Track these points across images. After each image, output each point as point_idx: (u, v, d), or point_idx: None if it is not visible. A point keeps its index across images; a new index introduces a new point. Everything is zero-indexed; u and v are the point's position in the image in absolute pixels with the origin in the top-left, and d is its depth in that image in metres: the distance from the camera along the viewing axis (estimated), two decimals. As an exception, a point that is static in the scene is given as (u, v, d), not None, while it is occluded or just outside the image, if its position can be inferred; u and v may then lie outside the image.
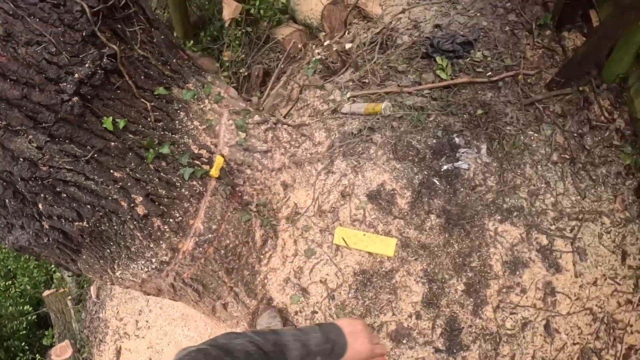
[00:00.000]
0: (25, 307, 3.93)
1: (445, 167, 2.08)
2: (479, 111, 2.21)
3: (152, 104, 1.68)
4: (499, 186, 2.04)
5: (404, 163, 2.10)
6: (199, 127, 1.85)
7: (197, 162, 1.78)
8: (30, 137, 1.41)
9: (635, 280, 1.82)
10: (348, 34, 2.91)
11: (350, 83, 2.49)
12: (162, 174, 1.68)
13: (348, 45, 2.63)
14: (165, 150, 1.67)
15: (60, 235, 1.58)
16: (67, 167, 1.47)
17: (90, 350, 3.16)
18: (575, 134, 2.07)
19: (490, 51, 2.47)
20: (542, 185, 2.02)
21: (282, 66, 2.81)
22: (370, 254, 1.97)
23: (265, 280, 2.03)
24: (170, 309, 2.67)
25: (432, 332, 1.85)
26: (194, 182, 1.76)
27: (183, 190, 1.73)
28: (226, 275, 1.91)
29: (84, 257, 1.73)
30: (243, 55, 3.07)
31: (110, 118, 1.53)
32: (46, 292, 3.54)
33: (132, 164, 1.60)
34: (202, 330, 2.41)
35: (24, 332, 3.81)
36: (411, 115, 2.21)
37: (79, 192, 1.52)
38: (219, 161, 1.85)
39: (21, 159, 1.42)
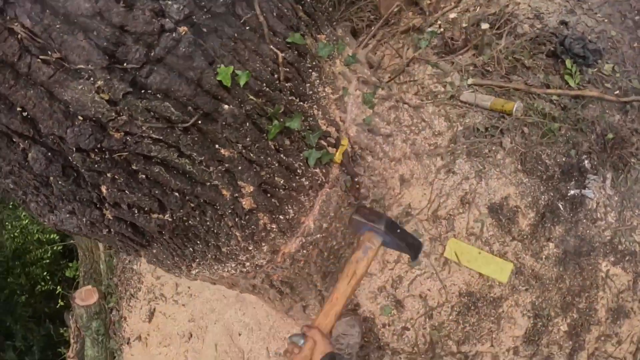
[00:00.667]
0: (52, 236, 3.61)
1: (572, 192, 1.86)
2: (610, 135, 1.98)
3: (284, 54, 1.15)
4: (617, 224, 1.88)
5: (531, 178, 1.84)
6: (331, 95, 1.37)
7: (324, 142, 1.33)
8: (100, 83, 0.87)
9: None
10: (457, 8, 2.43)
11: (471, 68, 2.09)
12: (283, 156, 1.21)
13: (484, 26, 2.18)
14: (295, 124, 1.18)
15: (128, 228, 1.09)
16: (154, 135, 0.96)
17: (119, 302, 2.78)
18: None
19: (619, 66, 2.21)
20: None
21: (375, 29, 2.28)
22: (481, 275, 1.74)
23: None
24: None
25: (530, 370, 1.73)
26: (317, 170, 1.32)
27: (304, 179, 1.29)
28: (320, 279, 1.56)
29: (154, 251, 1.26)
30: (330, 9, 2.46)
31: (231, 68, 1.00)
32: None
33: (248, 139, 1.11)
34: (261, 320, 2.09)
35: (48, 260, 3.55)
36: (544, 124, 1.91)
37: (166, 174, 1.03)
38: (344, 144, 1.41)
39: (80, 118, 0.89)
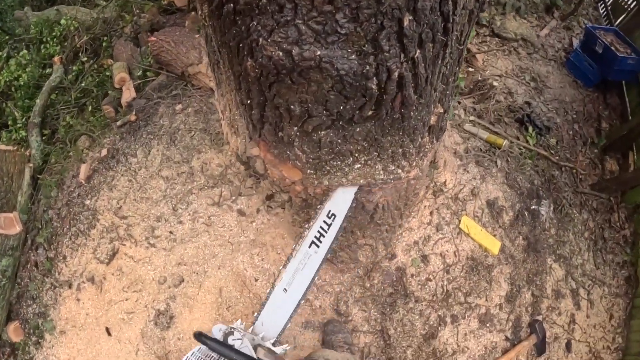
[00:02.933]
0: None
1: (533, 207, 2.71)
2: (552, 181, 2.96)
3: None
4: (556, 237, 2.75)
5: (512, 190, 2.65)
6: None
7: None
8: None
9: (614, 335, 2.69)
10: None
11: (472, 109, 3.00)
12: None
13: (496, 83, 3.16)
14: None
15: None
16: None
17: (53, 239, 2.52)
18: (600, 226, 2.98)
19: (558, 143, 3.33)
20: (576, 249, 2.82)
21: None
22: (481, 246, 2.39)
23: (399, 237, 2.23)
24: (226, 230, 2.33)
25: (507, 323, 2.34)
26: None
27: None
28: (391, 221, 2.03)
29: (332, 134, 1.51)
30: None
31: None
32: (1, 146, 2.72)
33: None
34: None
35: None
36: (519, 159, 2.81)
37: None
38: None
39: None
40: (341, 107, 1.31)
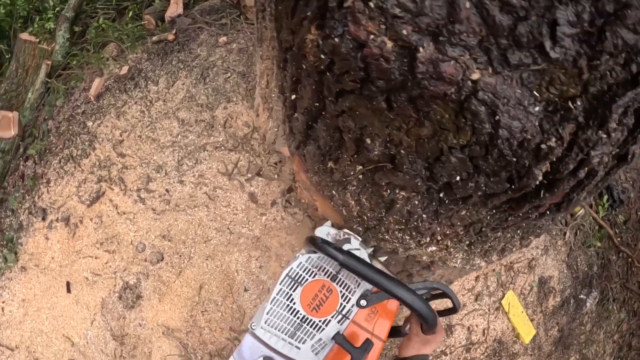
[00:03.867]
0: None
1: (581, 295, 2.30)
2: (607, 266, 2.52)
3: None
4: (589, 334, 2.38)
5: (568, 271, 2.23)
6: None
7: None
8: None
9: None
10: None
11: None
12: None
13: None
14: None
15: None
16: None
17: (44, 155, 2.11)
18: (632, 332, 2.62)
19: (626, 222, 2.85)
20: (601, 351, 2.46)
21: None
22: (514, 330, 1.99)
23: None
24: (229, 212, 1.86)
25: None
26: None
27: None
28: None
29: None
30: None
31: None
32: (24, 35, 2.33)
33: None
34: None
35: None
36: (587, 237, 2.34)
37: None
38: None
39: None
40: (458, 178, 0.78)
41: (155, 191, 1.93)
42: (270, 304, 0.91)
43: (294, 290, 0.92)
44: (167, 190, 1.92)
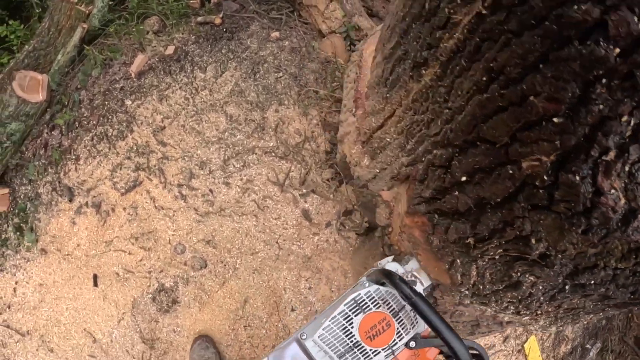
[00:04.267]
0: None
1: (587, 345, 2.42)
2: (611, 319, 2.66)
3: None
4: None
5: (581, 322, 2.33)
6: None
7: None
8: None
9: None
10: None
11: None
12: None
13: None
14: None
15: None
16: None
17: (73, 128, 1.99)
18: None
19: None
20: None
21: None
22: (529, 375, 2.08)
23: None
24: (280, 226, 1.85)
25: None
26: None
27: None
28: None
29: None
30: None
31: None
32: None
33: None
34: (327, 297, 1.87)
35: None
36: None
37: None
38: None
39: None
40: (593, 282, 0.82)
41: (198, 189, 1.89)
42: (329, 321, 0.96)
43: (356, 315, 0.97)
44: (210, 191, 1.89)
